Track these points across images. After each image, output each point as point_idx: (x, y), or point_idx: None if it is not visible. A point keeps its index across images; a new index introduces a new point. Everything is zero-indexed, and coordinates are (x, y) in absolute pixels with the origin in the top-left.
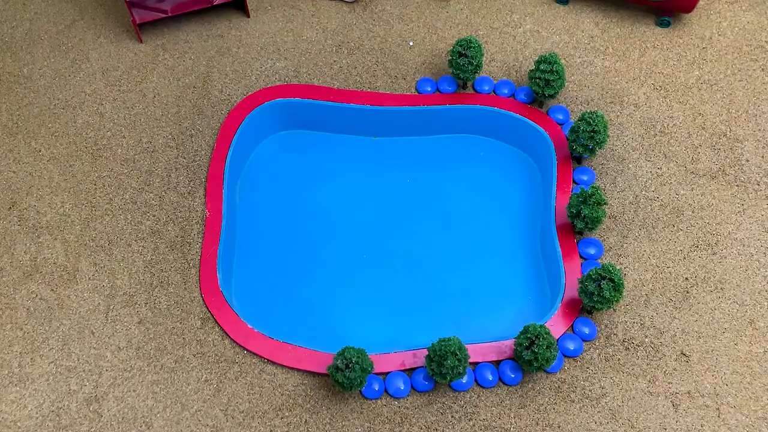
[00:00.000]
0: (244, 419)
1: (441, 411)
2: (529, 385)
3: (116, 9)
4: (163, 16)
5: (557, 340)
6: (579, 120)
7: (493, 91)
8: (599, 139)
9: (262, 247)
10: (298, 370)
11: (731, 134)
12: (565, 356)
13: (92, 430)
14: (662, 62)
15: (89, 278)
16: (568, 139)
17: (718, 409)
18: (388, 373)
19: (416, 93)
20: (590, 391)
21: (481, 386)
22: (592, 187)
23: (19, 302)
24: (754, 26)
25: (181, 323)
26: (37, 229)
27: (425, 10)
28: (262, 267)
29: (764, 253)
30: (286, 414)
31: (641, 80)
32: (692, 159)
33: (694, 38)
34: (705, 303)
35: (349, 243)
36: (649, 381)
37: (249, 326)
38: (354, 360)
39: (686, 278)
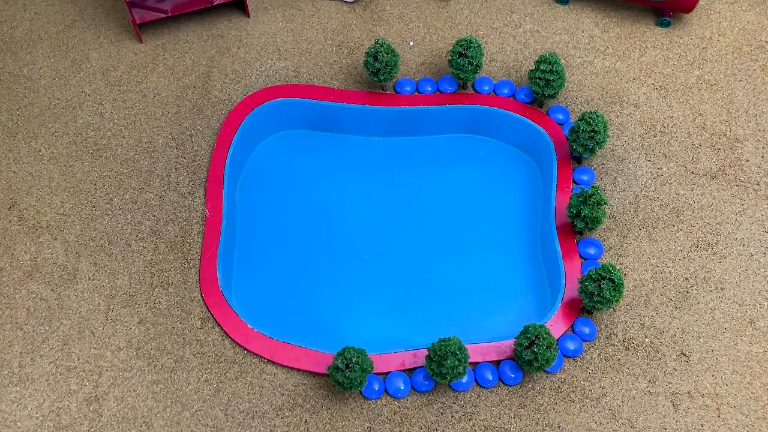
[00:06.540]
0: (244, 419)
1: (441, 411)
2: (529, 385)
3: (116, 9)
4: (163, 16)
5: (557, 340)
6: (579, 120)
7: (493, 91)
8: (599, 139)
9: (262, 247)
10: (298, 370)
11: (731, 134)
12: (565, 356)
13: (92, 430)
14: (662, 62)
15: (89, 278)
16: (568, 139)
17: (718, 409)
18: (388, 373)
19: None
20: (590, 391)
21: (481, 386)
22: (592, 187)
23: (19, 302)
24: (754, 26)
25: (181, 323)
26: (37, 229)
27: (425, 10)
28: (262, 267)
29: (764, 253)
30: (286, 414)
31: (641, 80)
32: (692, 159)
33: (694, 38)
34: (705, 303)
35: (349, 243)
36: (649, 381)
37: (249, 326)
38: (354, 360)
39: (686, 278)
